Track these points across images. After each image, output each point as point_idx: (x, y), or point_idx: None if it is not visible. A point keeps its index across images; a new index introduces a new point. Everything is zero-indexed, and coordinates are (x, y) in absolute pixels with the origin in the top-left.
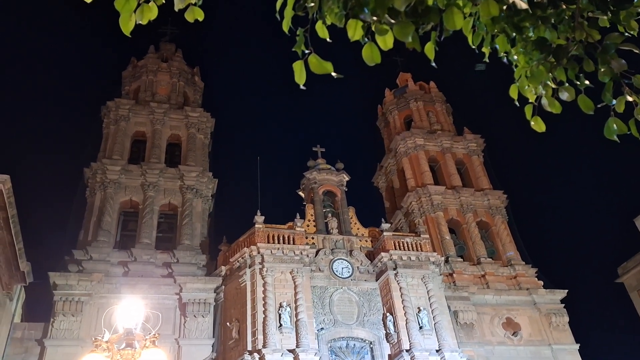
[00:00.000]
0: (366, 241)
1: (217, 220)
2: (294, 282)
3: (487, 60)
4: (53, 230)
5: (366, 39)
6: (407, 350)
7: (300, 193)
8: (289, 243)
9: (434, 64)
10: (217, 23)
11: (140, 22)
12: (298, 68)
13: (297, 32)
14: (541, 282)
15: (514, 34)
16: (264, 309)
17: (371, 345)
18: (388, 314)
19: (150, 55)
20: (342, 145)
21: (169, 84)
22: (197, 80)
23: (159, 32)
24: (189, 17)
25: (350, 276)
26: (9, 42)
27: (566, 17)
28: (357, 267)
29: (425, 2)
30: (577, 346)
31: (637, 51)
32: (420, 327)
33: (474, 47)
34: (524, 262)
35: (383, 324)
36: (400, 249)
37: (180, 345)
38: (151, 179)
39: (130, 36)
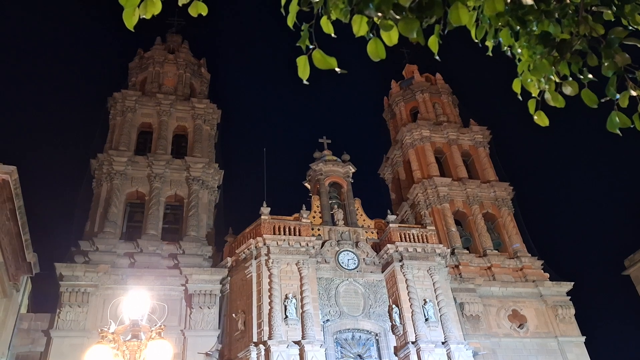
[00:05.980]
0: (372, 233)
1: (224, 212)
2: (300, 274)
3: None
4: (59, 222)
5: (371, 35)
6: (412, 342)
7: (306, 184)
8: (294, 234)
9: (437, 58)
10: (223, 15)
11: (143, 16)
12: (302, 63)
13: (302, 27)
14: (547, 274)
15: (518, 28)
16: (269, 300)
17: (377, 337)
18: (394, 306)
19: (157, 47)
20: (348, 137)
21: (176, 75)
22: (203, 71)
23: (166, 23)
24: (193, 11)
25: (356, 268)
26: (15, 33)
27: (570, 11)
28: (363, 259)
29: None
30: (584, 338)
31: None
32: (426, 319)
33: (477, 40)
34: (530, 254)
35: (389, 315)
36: (406, 241)
37: (186, 336)
38: (157, 170)
39: (134, 31)
